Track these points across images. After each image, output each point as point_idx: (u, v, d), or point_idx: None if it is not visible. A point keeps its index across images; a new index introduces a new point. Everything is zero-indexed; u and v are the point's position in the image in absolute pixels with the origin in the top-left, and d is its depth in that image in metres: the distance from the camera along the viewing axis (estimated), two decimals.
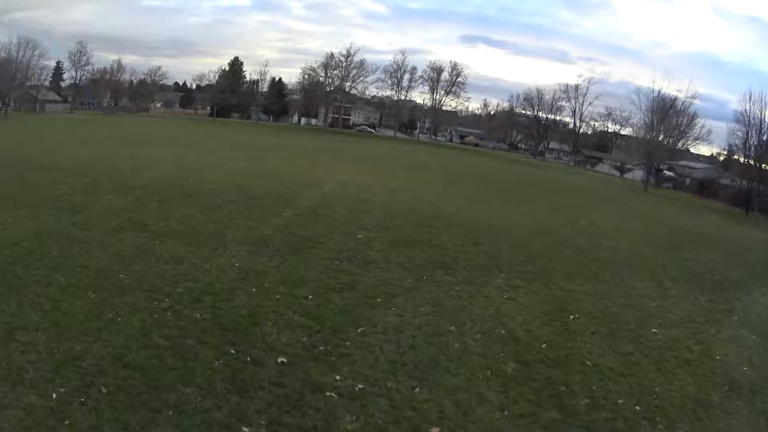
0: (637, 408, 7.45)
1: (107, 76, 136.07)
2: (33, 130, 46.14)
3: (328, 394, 6.90)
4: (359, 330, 8.85)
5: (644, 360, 9.03)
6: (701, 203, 56.89)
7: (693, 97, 71.89)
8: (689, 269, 16.05)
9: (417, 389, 7.30)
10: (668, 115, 69.11)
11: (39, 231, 12.27)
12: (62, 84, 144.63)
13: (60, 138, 39.60)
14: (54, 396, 6.20)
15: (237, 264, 11.41)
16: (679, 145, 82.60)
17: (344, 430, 6.29)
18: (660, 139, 68.63)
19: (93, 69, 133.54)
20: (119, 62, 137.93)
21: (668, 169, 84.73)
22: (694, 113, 78.59)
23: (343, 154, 43.05)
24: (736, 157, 77.35)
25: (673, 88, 74.59)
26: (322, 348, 8.09)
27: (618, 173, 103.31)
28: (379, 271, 12.03)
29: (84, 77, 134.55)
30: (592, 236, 19.55)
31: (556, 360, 8.63)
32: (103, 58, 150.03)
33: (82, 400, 6.18)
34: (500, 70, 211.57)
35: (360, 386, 7.19)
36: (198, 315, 8.75)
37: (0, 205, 14.30)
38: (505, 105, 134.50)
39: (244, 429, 6.04)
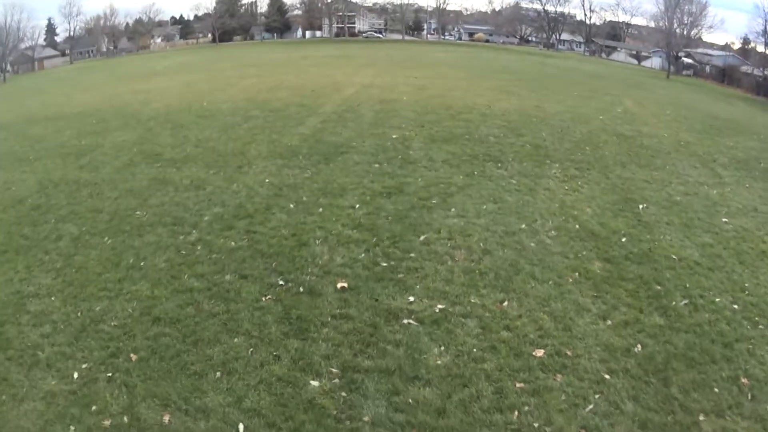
0: (735, 307, 6.31)
1: (102, 22, 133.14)
2: (33, 86, 44.46)
3: (405, 321, 5.65)
4: (422, 238, 7.52)
5: (724, 252, 7.81)
6: (725, 91, 53.76)
7: None
8: (735, 156, 14.06)
9: (505, 303, 6.05)
10: (679, 2, 65.04)
11: (43, 182, 11.05)
12: (57, 39, 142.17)
13: (62, 88, 37.90)
14: (75, 376, 5.04)
15: (267, 180, 10.08)
16: (693, 33, 77.61)
17: (434, 366, 5.01)
18: (674, 27, 64.82)
19: (86, 18, 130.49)
20: (111, 6, 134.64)
21: (686, 56, 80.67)
22: (706, 2, 73.88)
23: (357, 59, 40.38)
24: (753, 45, 73.58)
25: None
26: (384, 264, 6.80)
27: (635, 61, 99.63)
28: (425, 170, 10.60)
29: (78, 27, 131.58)
30: (631, 123, 17.43)
31: (641, 255, 7.44)
32: (96, 6, 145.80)
33: (109, 375, 5.01)
34: None
35: (440, 307, 5.93)
36: (233, 244, 7.52)
37: (1, 165, 13.02)
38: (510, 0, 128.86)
39: (313, 383, 4.79)
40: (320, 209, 8.53)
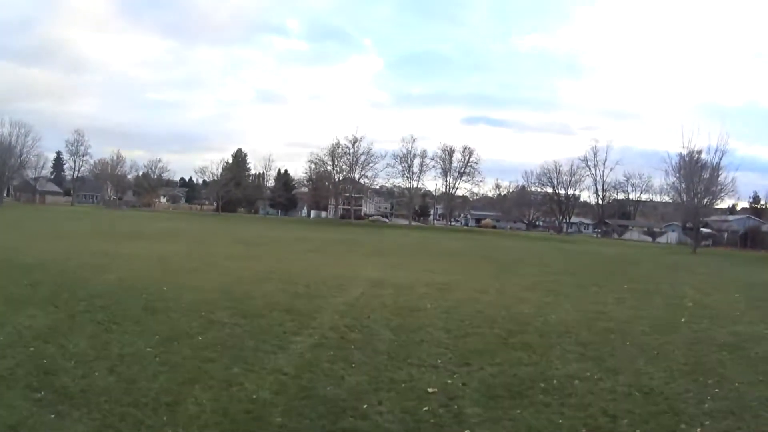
0: None
1: (108, 169, 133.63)
2: (16, 221, 40.93)
3: None
4: None
5: None
6: (756, 255, 52.20)
7: (723, 150, 63.25)
8: None
9: None
10: (701, 172, 63.32)
11: None
12: (63, 175, 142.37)
13: (40, 230, 34.24)
14: None
15: None
16: (708, 200, 74.77)
17: None
18: (694, 198, 62.94)
19: (92, 160, 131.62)
20: (119, 153, 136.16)
21: (704, 226, 78.71)
22: (719, 166, 67.68)
23: (364, 246, 36.77)
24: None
25: (699, 144, 67.01)
26: None
27: (649, 238, 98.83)
28: None
29: (83, 168, 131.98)
30: (719, 323, 13.64)
31: None
32: (105, 151, 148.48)
33: None
34: (503, 150, 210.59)
35: None
36: None
37: None
38: (519, 183, 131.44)
39: None
40: None
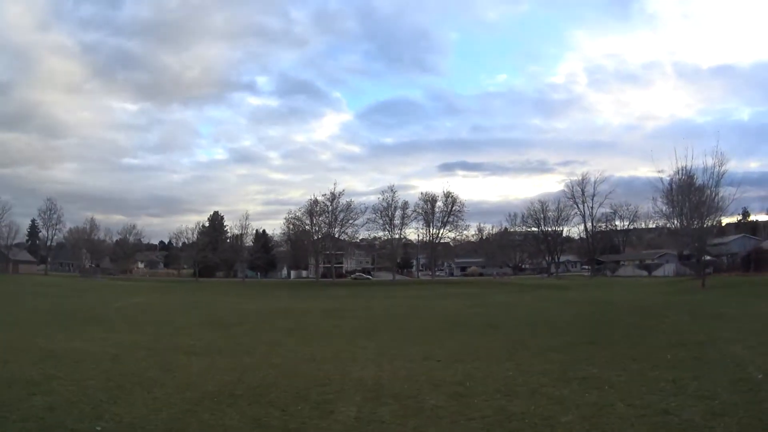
0: None
1: (83, 236, 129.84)
2: None
3: None
4: None
5: None
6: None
7: (721, 168, 58.31)
8: None
9: None
10: (699, 194, 59.69)
11: None
12: (39, 244, 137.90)
13: None
14: None
15: None
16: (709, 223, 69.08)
17: None
18: (694, 222, 59.65)
19: (66, 229, 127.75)
20: (92, 220, 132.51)
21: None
22: (719, 182, 62.15)
23: (349, 319, 32.67)
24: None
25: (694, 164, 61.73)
26: None
27: (645, 272, 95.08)
28: None
29: (56, 236, 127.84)
30: None
31: None
32: (84, 217, 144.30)
33: None
34: (482, 192, 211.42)
35: None
36: None
37: None
38: (503, 225, 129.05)
39: None
40: None
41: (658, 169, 60.62)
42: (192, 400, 12.82)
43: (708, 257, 70.50)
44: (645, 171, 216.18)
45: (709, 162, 57.79)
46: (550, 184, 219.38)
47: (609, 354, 18.31)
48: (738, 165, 61.13)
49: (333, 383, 14.64)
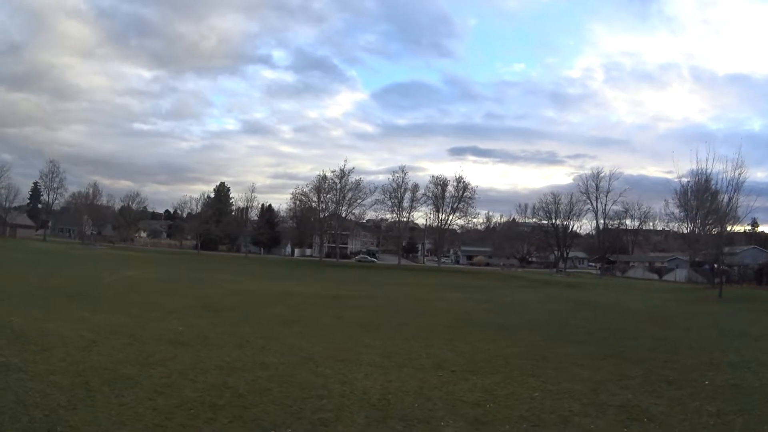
0: None
1: (85, 201, 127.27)
2: None
3: None
4: None
5: None
6: None
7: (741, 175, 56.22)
8: None
9: None
10: (717, 199, 58.03)
11: None
12: (40, 207, 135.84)
13: None
14: None
15: None
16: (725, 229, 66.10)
17: None
18: (710, 228, 57.50)
19: (68, 193, 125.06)
20: (95, 185, 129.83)
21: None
22: (739, 188, 59.80)
23: (353, 309, 30.80)
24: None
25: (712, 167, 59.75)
26: None
27: (655, 275, 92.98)
28: None
29: (57, 201, 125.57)
30: None
31: None
32: (86, 180, 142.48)
33: None
34: (491, 180, 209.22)
35: None
36: None
37: None
38: (511, 215, 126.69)
39: None
40: None
41: (672, 170, 58.68)
42: (164, 410, 10.80)
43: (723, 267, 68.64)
44: (654, 171, 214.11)
45: (729, 167, 55.85)
46: (558, 176, 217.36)
47: (640, 372, 16.28)
48: (746, 175, 60.19)
49: (332, 395, 12.63)
